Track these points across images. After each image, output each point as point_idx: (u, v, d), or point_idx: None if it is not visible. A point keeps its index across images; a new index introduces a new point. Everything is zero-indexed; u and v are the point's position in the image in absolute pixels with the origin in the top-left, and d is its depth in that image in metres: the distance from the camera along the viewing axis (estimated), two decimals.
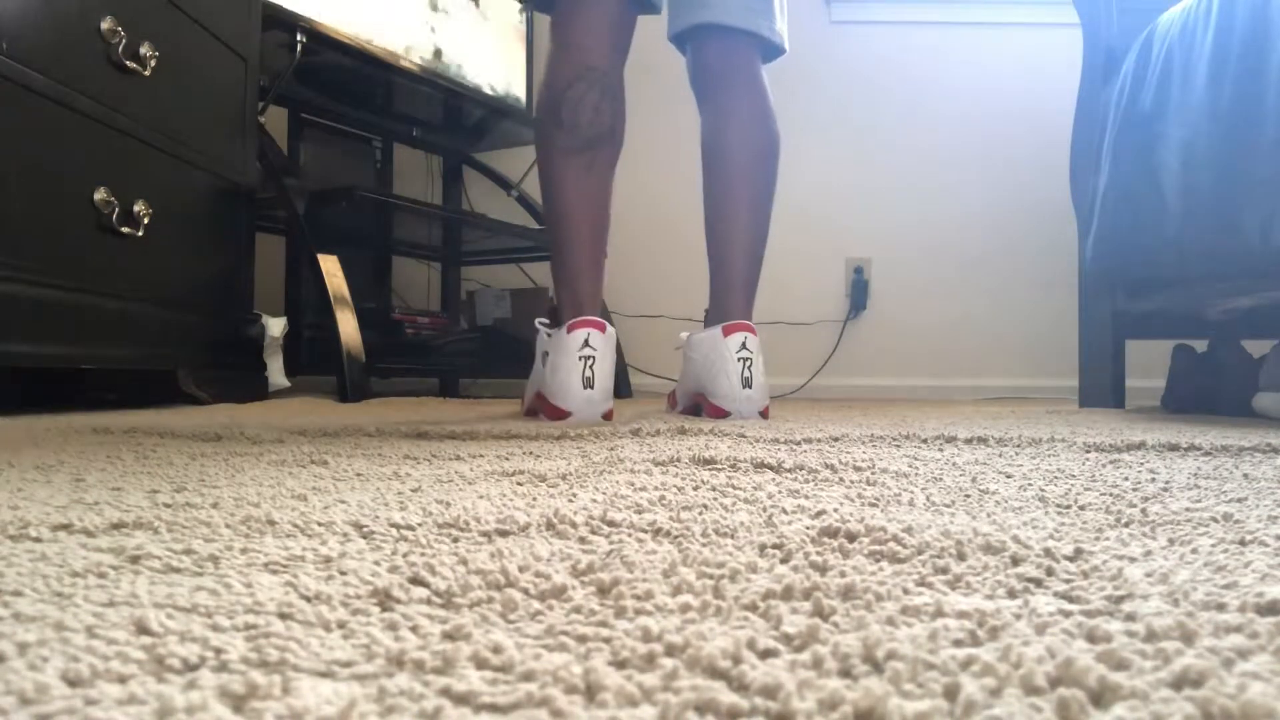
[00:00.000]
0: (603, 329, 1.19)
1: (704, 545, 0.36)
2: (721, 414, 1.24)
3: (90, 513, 0.42)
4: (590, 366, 1.17)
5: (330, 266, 1.75)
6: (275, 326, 1.71)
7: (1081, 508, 0.46)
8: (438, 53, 2.22)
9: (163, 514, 0.43)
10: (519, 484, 0.55)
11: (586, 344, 1.17)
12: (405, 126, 2.42)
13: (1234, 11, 1.31)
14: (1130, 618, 0.26)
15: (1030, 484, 0.55)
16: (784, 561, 0.33)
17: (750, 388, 1.23)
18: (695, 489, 0.52)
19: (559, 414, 1.17)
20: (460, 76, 2.27)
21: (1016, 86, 2.78)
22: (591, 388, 1.17)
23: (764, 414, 1.26)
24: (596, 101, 1.22)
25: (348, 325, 1.73)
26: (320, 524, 0.40)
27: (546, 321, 1.30)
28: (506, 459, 0.70)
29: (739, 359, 1.23)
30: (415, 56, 2.14)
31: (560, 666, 0.21)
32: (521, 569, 0.31)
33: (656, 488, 0.52)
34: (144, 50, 1.27)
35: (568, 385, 1.17)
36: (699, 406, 1.33)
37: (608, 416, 1.20)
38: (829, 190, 2.83)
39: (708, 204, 1.36)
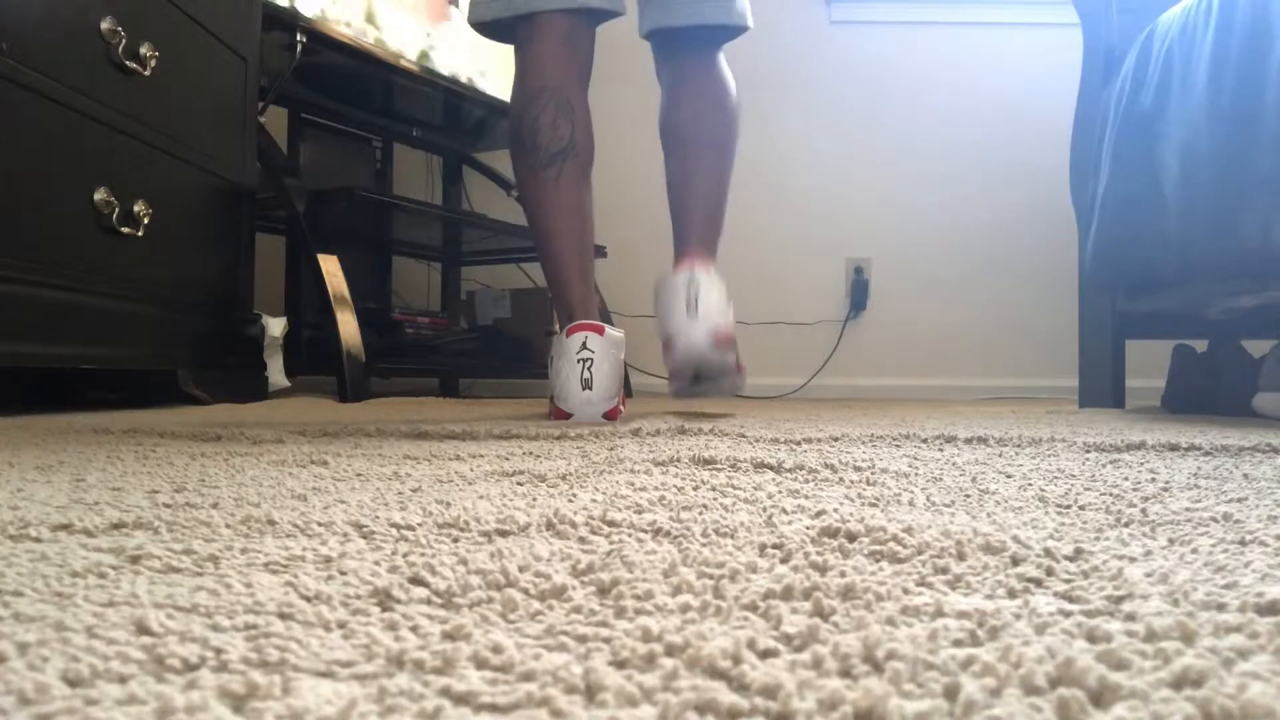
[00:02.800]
0: (600, 331, 1.21)
1: (704, 545, 0.36)
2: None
3: (90, 513, 0.42)
4: (588, 368, 1.19)
5: (330, 266, 1.75)
6: (275, 326, 1.71)
7: (1081, 508, 0.46)
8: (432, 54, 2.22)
9: (163, 514, 0.43)
10: (519, 484, 0.55)
11: (584, 347, 1.20)
12: (405, 126, 2.42)
13: (1234, 11, 1.31)
14: (1130, 618, 0.26)
15: (1030, 484, 0.55)
16: (784, 561, 0.33)
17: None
18: (695, 489, 0.52)
19: (561, 415, 1.21)
20: (459, 76, 2.27)
21: (1016, 86, 2.78)
22: (590, 389, 1.19)
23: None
24: (553, 118, 1.26)
25: (348, 325, 1.73)
26: (320, 524, 0.40)
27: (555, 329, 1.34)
28: (506, 459, 0.70)
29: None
30: (414, 56, 2.14)
31: (560, 666, 0.21)
32: (521, 569, 0.31)
33: (656, 488, 0.52)
34: (144, 50, 1.27)
35: (567, 387, 1.20)
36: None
37: (610, 416, 1.21)
38: (829, 190, 2.83)
39: (668, 186, 1.42)
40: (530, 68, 1.29)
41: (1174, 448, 0.80)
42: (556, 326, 1.35)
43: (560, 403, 1.20)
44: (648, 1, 1.38)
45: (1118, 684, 0.20)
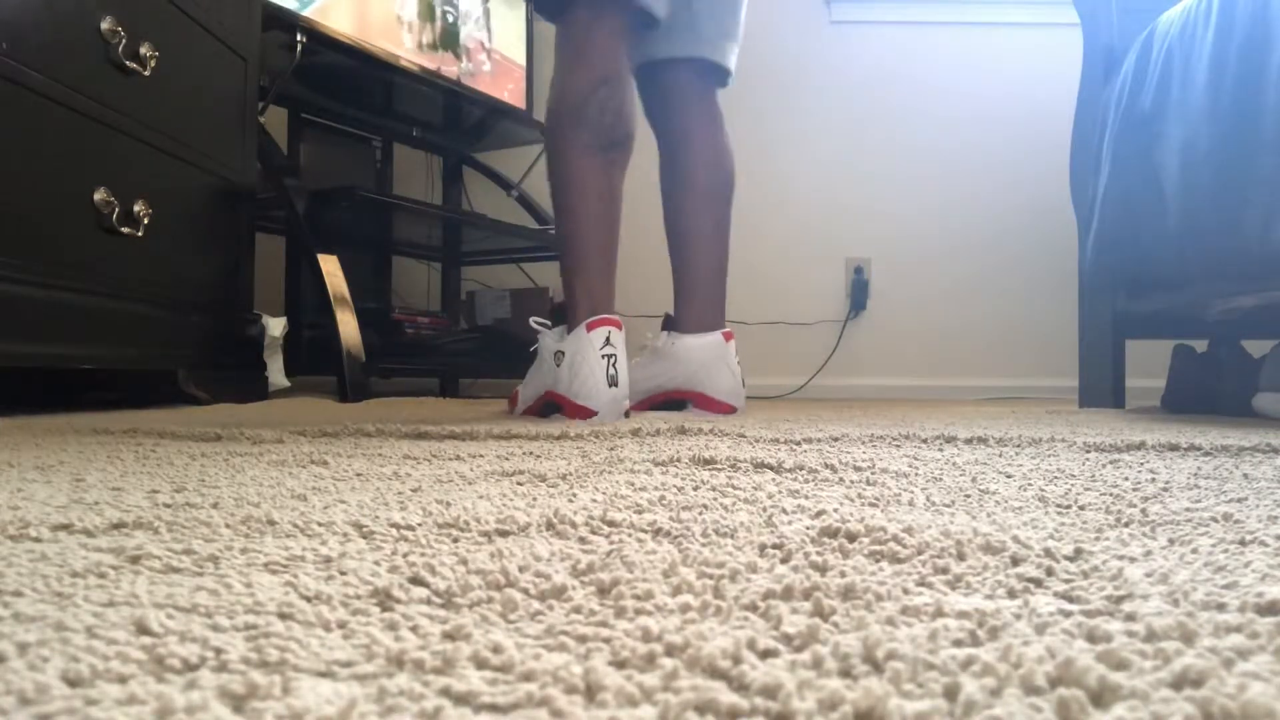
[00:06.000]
0: (621, 326, 1.21)
1: (704, 545, 0.36)
2: (727, 409, 1.30)
3: (90, 513, 0.42)
4: (613, 364, 1.18)
5: (330, 266, 1.75)
6: (275, 326, 1.71)
7: (1081, 508, 0.46)
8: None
9: (163, 514, 0.43)
10: (519, 484, 0.55)
11: (608, 342, 1.18)
12: (405, 126, 2.42)
13: (1234, 12, 1.31)
14: (1130, 618, 0.26)
15: (1030, 484, 0.55)
16: (784, 561, 0.33)
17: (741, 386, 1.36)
18: (695, 489, 0.52)
19: (584, 413, 1.17)
20: (459, 76, 2.28)
21: (1016, 86, 2.78)
22: (616, 386, 1.18)
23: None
24: (619, 106, 1.24)
25: (348, 325, 1.73)
26: (320, 524, 0.40)
27: (546, 322, 1.30)
28: (506, 459, 0.70)
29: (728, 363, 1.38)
30: (415, 56, 2.14)
31: (560, 666, 0.21)
32: (521, 569, 0.31)
33: (656, 488, 0.52)
34: (144, 50, 1.27)
35: (591, 384, 1.17)
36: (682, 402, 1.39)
37: (627, 413, 1.22)
38: (829, 190, 2.83)
39: (675, 228, 1.45)
40: (593, 53, 1.25)
41: (1174, 448, 0.80)
42: (542, 320, 1.32)
43: (584, 400, 1.17)
44: (639, 39, 1.36)
45: (1118, 684, 0.20)
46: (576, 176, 1.24)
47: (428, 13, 2.22)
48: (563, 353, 1.20)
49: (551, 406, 1.23)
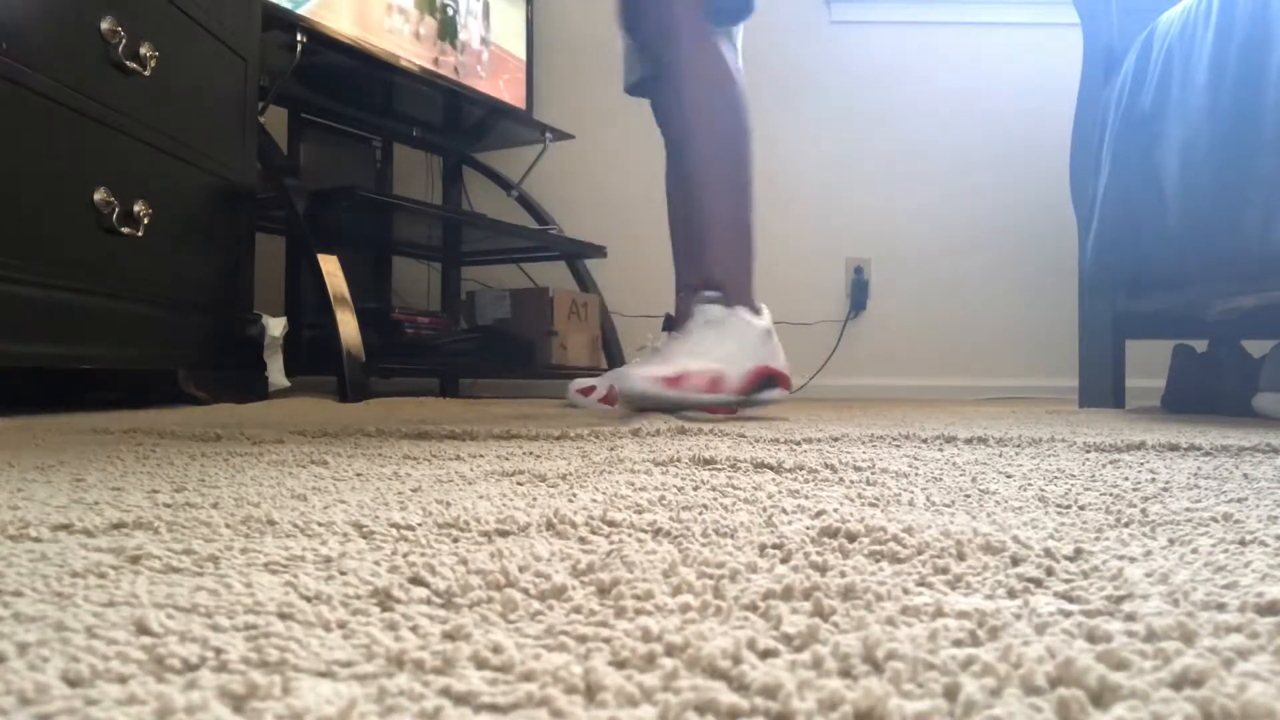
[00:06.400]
0: None
1: (704, 545, 0.36)
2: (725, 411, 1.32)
3: (90, 513, 0.42)
4: None
5: (330, 266, 1.75)
6: (275, 326, 1.71)
7: (1081, 508, 0.46)
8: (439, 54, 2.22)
9: (163, 514, 0.43)
10: (519, 484, 0.55)
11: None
12: (405, 126, 2.42)
13: (1234, 12, 1.31)
14: (1130, 618, 0.26)
15: (1030, 484, 0.55)
16: (784, 561, 0.33)
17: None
18: (695, 489, 0.52)
19: (790, 384, 1.31)
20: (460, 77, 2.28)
21: (1016, 86, 2.78)
22: None
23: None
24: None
25: (348, 325, 1.73)
26: (320, 524, 0.40)
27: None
28: (506, 459, 0.70)
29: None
30: (415, 58, 2.14)
31: (560, 666, 0.21)
32: (521, 569, 0.31)
33: (656, 488, 0.52)
34: (144, 50, 1.27)
35: (782, 357, 1.30)
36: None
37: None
38: (829, 190, 2.84)
39: (682, 229, 1.47)
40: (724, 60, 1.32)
41: (1174, 448, 0.80)
42: (718, 293, 1.32)
43: (788, 371, 1.29)
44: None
45: (1118, 684, 0.20)
46: (744, 151, 1.32)
47: (426, 5, 2.22)
48: (769, 330, 1.31)
49: (771, 381, 1.30)
